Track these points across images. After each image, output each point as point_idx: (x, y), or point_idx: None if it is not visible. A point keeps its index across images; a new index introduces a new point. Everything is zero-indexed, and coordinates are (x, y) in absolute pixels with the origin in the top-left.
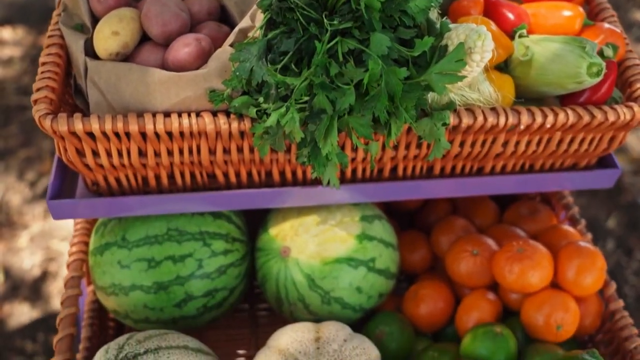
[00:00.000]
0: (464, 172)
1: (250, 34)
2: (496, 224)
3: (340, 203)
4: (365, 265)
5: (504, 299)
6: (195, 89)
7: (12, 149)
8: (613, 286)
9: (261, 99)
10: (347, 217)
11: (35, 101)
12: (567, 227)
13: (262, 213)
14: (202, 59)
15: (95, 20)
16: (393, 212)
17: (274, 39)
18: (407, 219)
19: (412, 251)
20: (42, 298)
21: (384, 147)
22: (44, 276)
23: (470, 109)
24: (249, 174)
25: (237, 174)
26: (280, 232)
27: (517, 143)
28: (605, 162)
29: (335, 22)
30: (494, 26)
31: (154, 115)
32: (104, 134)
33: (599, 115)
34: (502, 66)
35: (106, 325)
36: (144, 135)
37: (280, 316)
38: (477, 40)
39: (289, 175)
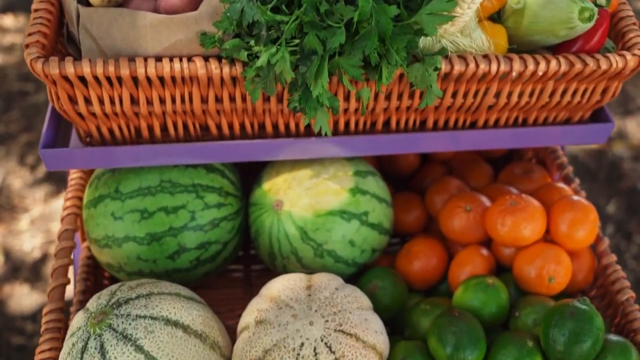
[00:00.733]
0: (457, 126)
1: None
2: (490, 184)
3: (333, 157)
4: (358, 219)
5: (497, 255)
6: (187, 32)
7: (14, 133)
8: (606, 242)
9: (252, 42)
10: (341, 172)
11: (28, 45)
12: (561, 185)
13: (256, 174)
14: (194, 3)
15: None
16: (388, 176)
17: None
18: (402, 183)
19: (406, 212)
20: (42, 280)
21: (376, 97)
22: (44, 258)
23: (462, 56)
24: (242, 127)
25: (230, 126)
26: (273, 187)
27: (510, 94)
28: (598, 117)
29: None
30: None
31: (145, 59)
32: (96, 78)
33: (591, 63)
34: (495, 17)
35: (100, 282)
36: (135, 80)
37: (274, 276)
38: None
39: (281, 127)
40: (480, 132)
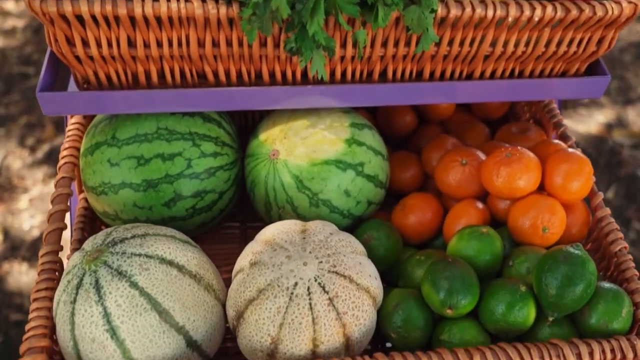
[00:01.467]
0: (453, 77)
1: None
2: (487, 142)
3: (330, 106)
4: (353, 169)
5: (492, 209)
6: None
7: (14, 115)
8: (600, 196)
9: None
10: (337, 123)
11: None
12: (557, 141)
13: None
14: None
15: None
16: (385, 137)
17: None
18: (399, 145)
19: (402, 170)
20: None
21: (373, 44)
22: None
23: (458, 0)
24: (239, 75)
25: (227, 74)
26: (270, 137)
27: (506, 43)
28: (594, 70)
29: None
30: None
31: None
32: (93, 17)
33: (587, 10)
34: None
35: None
36: (133, 21)
37: None
38: None
39: (278, 76)
40: (476, 83)
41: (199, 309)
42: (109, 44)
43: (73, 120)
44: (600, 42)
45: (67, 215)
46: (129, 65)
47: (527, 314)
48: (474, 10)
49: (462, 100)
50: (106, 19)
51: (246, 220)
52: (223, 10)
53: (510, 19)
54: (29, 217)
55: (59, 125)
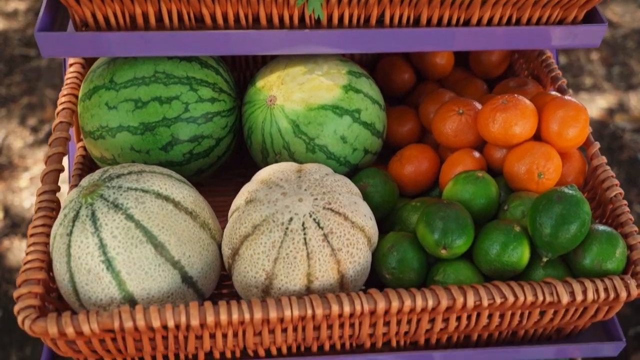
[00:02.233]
0: (450, 23)
1: None
2: (484, 95)
3: (327, 52)
4: (350, 115)
5: (489, 159)
6: None
7: (15, 96)
8: (596, 145)
9: None
10: (334, 70)
11: None
12: (554, 93)
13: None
14: None
15: None
16: (383, 95)
17: None
18: (396, 103)
19: (400, 124)
20: None
21: None
22: None
23: None
24: (236, 19)
25: (225, 17)
26: (267, 83)
27: None
28: (592, 18)
29: None
30: None
31: None
32: None
33: None
34: None
35: None
36: None
37: None
38: None
39: (276, 20)
40: (474, 29)
41: (194, 245)
42: None
43: (71, 69)
44: None
45: (65, 159)
46: (127, 6)
47: (521, 254)
48: None
49: (460, 48)
50: None
51: (243, 174)
52: None
53: None
54: (29, 195)
55: None
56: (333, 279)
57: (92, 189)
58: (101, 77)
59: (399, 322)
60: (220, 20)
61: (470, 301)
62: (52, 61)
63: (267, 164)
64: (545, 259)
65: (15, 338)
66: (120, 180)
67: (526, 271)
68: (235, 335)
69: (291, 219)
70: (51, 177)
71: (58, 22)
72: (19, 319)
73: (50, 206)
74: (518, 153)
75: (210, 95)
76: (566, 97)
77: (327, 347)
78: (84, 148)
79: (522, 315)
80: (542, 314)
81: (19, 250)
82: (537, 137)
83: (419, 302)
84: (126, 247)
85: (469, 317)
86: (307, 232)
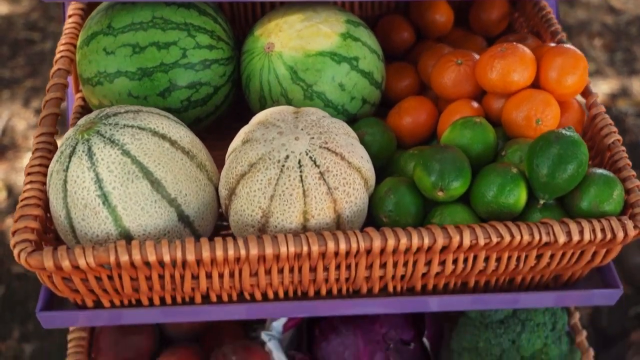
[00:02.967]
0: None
1: None
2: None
3: None
4: (348, 62)
5: (487, 109)
6: None
7: (19, 78)
8: (595, 95)
9: None
10: (332, 18)
11: None
12: (553, 44)
13: None
14: None
15: None
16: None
17: None
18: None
19: (399, 79)
20: None
21: None
22: None
23: None
24: None
25: None
26: (265, 31)
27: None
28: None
29: None
30: None
31: None
32: None
33: None
34: None
35: None
36: None
37: None
38: None
39: None
40: None
41: (191, 184)
42: None
43: (70, 19)
44: None
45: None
46: None
47: (518, 196)
48: None
49: None
50: None
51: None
52: None
53: None
54: None
55: None
56: (329, 218)
57: (88, 126)
58: (99, 23)
59: (395, 264)
60: None
61: (467, 240)
62: (55, 46)
63: None
64: (542, 202)
65: (17, 315)
66: (117, 117)
67: (523, 214)
68: (232, 275)
69: (287, 156)
70: (49, 120)
71: None
72: (15, 252)
73: (47, 148)
74: (516, 100)
75: (208, 42)
76: (565, 45)
77: (323, 291)
78: (83, 99)
79: (518, 259)
80: (539, 257)
81: None
82: (536, 86)
83: (415, 241)
84: (122, 182)
85: (465, 261)
86: (304, 169)
